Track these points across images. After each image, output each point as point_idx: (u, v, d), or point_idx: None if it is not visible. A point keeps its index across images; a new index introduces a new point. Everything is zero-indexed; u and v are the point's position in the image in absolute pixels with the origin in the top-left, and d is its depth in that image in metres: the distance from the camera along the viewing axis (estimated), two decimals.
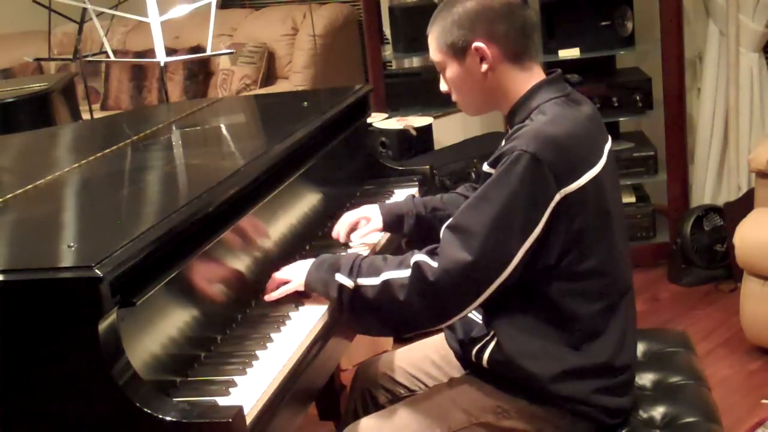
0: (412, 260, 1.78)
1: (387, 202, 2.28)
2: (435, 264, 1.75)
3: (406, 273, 1.78)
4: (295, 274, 1.94)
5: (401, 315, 1.81)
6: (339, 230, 2.22)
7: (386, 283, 1.79)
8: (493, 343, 1.85)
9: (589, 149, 1.82)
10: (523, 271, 1.76)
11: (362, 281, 1.82)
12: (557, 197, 1.74)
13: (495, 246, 1.73)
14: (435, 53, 1.90)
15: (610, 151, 1.88)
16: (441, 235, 1.79)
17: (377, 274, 1.81)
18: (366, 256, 1.88)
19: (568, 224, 1.76)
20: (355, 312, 1.85)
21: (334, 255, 1.95)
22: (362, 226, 2.22)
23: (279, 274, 1.96)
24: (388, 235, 2.29)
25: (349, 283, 1.83)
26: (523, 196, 1.72)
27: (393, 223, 2.20)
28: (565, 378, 1.82)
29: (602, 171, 1.81)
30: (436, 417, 1.90)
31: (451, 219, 1.80)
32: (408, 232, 2.20)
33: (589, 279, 1.81)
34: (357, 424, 1.96)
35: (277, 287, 1.95)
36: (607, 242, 1.83)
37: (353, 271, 1.84)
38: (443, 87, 1.95)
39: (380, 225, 2.20)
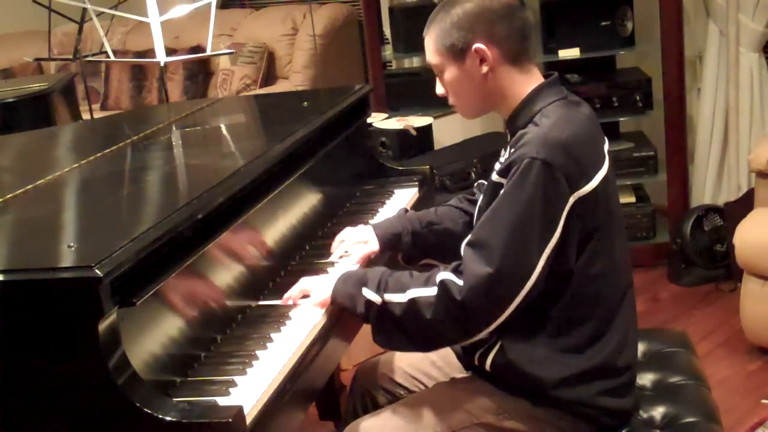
0: (438, 278, 1.76)
1: (379, 221, 2.23)
2: (461, 282, 1.73)
3: (432, 291, 1.76)
4: (318, 288, 1.91)
5: (428, 332, 1.79)
6: (334, 252, 2.17)
7: (413, 301, 1.77)
8: (496, 348, 1.84)
9: (594, 150, 1.82)
10: (546, 279, 1.75)
11: (389, 297, 1.80)
12: (571, 201, 1.73)
13: (516, 257, 1.72)
14: (433, 55, 1.89)
15: (609, 151, 1.88)
16: (462, 253, 1.78)
17: (403, 290, 1.79)
18: (393, 271, 1.86)
19: (582, 227, 1.76)
20: (383, 328, 1.84)
21: (361, 269, 1.93)
22: (358, 249, 2.15)
23: (302, 286, 1.93)
24: None
25: (376, 298, 1.81)
26: (539, 204, 1.71)
27: (389, 243, 2.17)
28: (569, 382, 1.81)
29: (608, 171, 1.81)
30: (437, 416, 1.90)
31: (470, 235, 1.79)
32: (405, 250, 2.17)
33: (595, 281, 1.80)
34: (357, 423, 1.96)
35: (299, 295, 1.92)
36: (611, 243, 1.83)
37: (380, 287, 1.82)
38: (439, 90, 1.93)
39: (377, 247, 2.16)
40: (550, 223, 1.72)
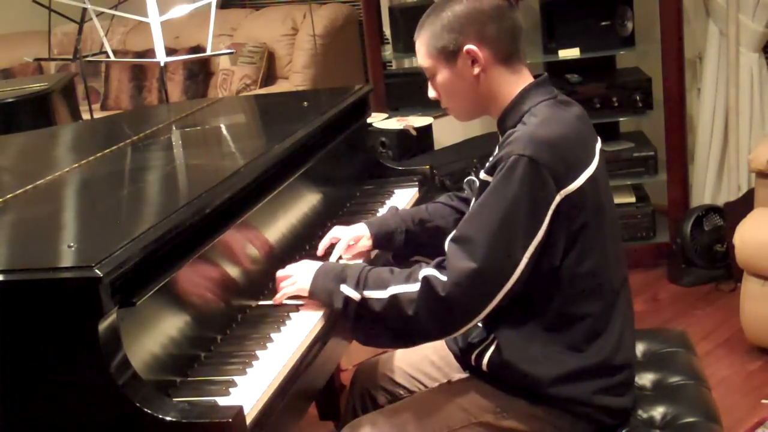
0: (421, 274, 1.77)
1: (372, 219, 2.23)
2: (444, 278, 1.74)
3: (414, 288, 1.77)
4: (299, 275, 1.93)
5: (408, 328, 1.80)
6: (324, 249, 2.16)
7: (394, 298, 1.78)
8: (492, 347, 1.85)
9: (582, 149, 1.82)
10: (530, 276, 1.76)
11: (369, 294, 1.81)
12: (558, 198, 1.74)
13: (500, 253, 1.72)
14: (424, 59, 1.89)
15: (601, 150, 1.89)
16: (446, 249, 1.78)
17: (384, 287, 1.80)
18: (372, 267, 1.87)
19: (569, 225, 1.76)
20: (361, 324, 1.85)
21: (340, 264, 1.93)
22: (351, 246, 2.16)
23: (283, 272, 1.95)
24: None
25: (355, 295, 1.82)
26: (524, 201, 1.72)
27: (383, 240, 2.17)
28: (566, 380, 1.82)
29: (596, 170, 1.81)
30: (436, 416, 1.90)
31: (454, 231, 1.79)
32: (398, 248, 2.17)
33: (587, 279, 1.81)
34: (357, 422, 1.96)
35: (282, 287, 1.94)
36: (602, 241, 1.83)
37: (360, 283, 1.82)
38: (431, 93, 1.93)
39: (370, 244, 2.16)
40: (535, 221, 1.73)
